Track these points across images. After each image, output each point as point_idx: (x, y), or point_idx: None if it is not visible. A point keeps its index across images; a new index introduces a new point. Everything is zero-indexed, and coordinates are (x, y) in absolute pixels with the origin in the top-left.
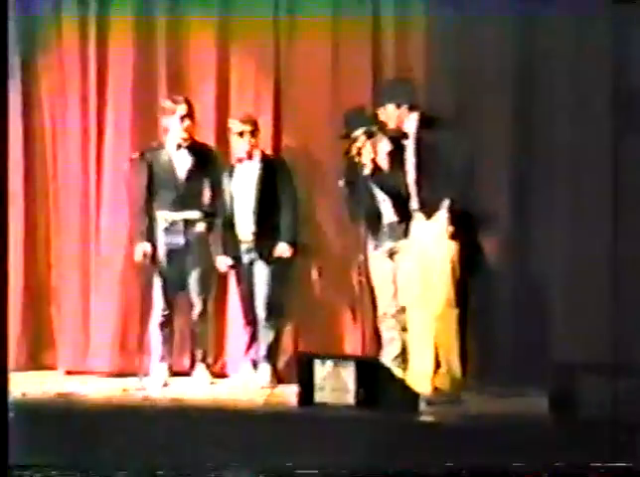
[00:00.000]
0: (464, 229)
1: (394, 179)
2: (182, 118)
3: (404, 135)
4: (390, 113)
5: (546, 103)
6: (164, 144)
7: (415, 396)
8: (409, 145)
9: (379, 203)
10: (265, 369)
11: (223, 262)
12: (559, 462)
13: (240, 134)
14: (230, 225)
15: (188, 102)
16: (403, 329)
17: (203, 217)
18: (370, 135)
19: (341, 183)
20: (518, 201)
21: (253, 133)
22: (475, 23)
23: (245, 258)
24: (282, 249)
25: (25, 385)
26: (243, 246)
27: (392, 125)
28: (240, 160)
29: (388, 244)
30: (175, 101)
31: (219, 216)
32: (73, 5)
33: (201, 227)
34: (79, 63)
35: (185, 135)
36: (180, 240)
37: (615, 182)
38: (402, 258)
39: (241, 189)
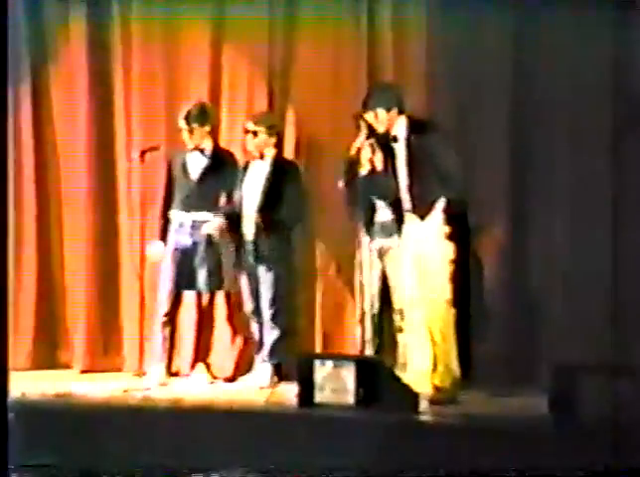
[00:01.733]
0: (460, 229)
1: (389, 179)
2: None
3: (394, 138)
4: (380, 117)
5: (544, 105)
6: (184, 146)
7: (415, 395)
8: (400, 148)
9: (374, 202)
10: (266, 369)
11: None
12: (558, 463)
13: (255, 134)
14: (237, 222)
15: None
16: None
17: (214, 219)
18: (369, 135)
19: (341, 183)
20: (516, 201)
21: (268, 134)
22: (473, 25)
23: (250, 257)
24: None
25: (25, 384)
26: (248, 246)
27: (381, 129)
28: (253, 158)
29: (378, 243)
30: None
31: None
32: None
33: (211, 229)
34: (87, 67)
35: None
36: (189, 241)
37: (615, 184)
38: (392, 259)
39: (250, 187)
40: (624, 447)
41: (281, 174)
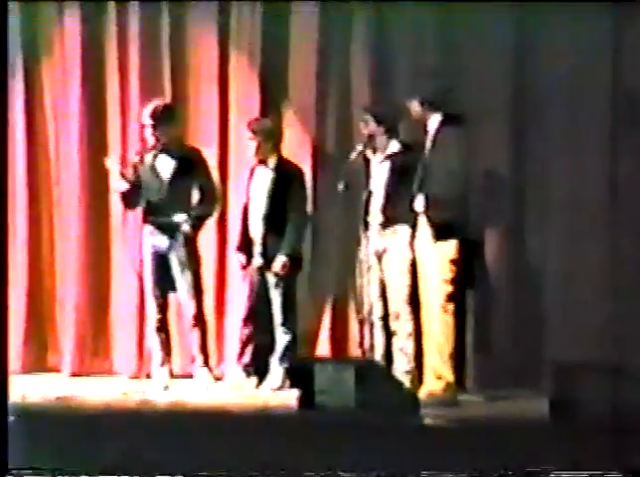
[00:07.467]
0: (459, 231)
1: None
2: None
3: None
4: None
5: (544, 103)
6: (149, 148)
7: (415, 399)
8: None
9: (370, 204)
10: (278, 372)
11: (238, 259)
12: (558, 464)
13: (252, 141)
14: (245, 226)
15: (166, 107)
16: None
17: (189, 219)
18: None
19: (340, 186)
20: (515, 200)
21: (268, 139)
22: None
23: (257, 261)
24: (278, 264)
25: (25, 387)
26: (256, 250)
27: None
28: (257, 164)
29: (374, 246)
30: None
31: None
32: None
33: (187, 229)
34: (80, 63)
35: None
36: (166, 244)
37: (614, 180)
38: (389, 261)
39: (256, 193)
40: (624, 447)
41: (286, 179)
